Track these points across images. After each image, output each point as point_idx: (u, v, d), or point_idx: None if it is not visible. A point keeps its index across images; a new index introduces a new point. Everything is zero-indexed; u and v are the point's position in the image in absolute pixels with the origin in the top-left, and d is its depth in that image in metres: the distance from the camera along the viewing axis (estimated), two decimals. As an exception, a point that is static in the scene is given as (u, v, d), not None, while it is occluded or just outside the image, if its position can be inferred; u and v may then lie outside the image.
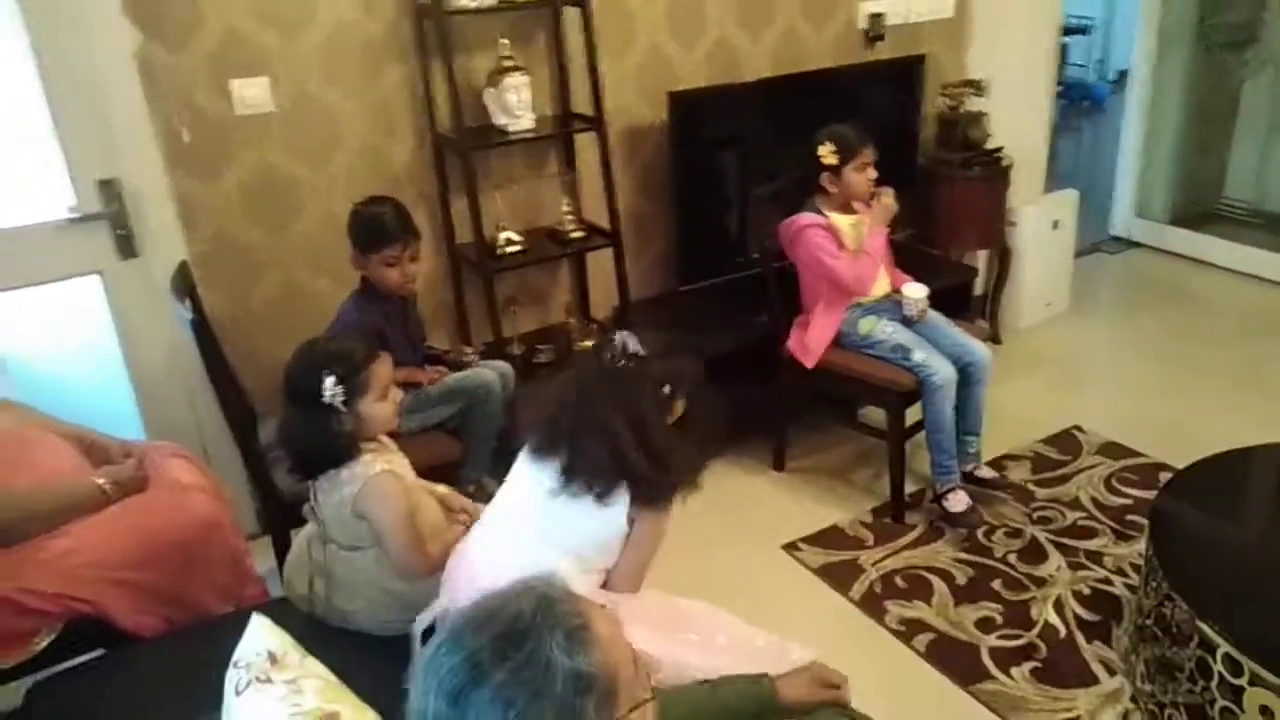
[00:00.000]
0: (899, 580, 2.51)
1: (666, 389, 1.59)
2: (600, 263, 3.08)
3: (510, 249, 2.84)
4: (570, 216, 2.95)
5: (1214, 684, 1.79)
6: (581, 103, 2.94)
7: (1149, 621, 2.07)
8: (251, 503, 2.69)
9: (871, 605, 2.42)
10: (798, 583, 2.54)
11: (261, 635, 1.35)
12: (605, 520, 1.58)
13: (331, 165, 2.70)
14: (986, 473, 2.83)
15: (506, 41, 2.73)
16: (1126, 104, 4.77)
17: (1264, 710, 1.70)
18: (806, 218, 2.75)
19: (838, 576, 2.53)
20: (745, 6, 3.22)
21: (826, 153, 2.70)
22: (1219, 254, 4.42)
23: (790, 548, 2.67)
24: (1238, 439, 2.35)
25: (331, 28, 2.59)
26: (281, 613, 1.61)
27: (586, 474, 1.55)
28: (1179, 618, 1.89)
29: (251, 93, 2.53)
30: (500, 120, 2.75)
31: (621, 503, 1.56)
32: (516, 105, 2.73)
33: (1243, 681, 1.72)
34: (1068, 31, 7.49)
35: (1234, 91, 4.68)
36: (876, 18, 3.49)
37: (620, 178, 3.05)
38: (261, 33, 2.51)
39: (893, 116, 3.46)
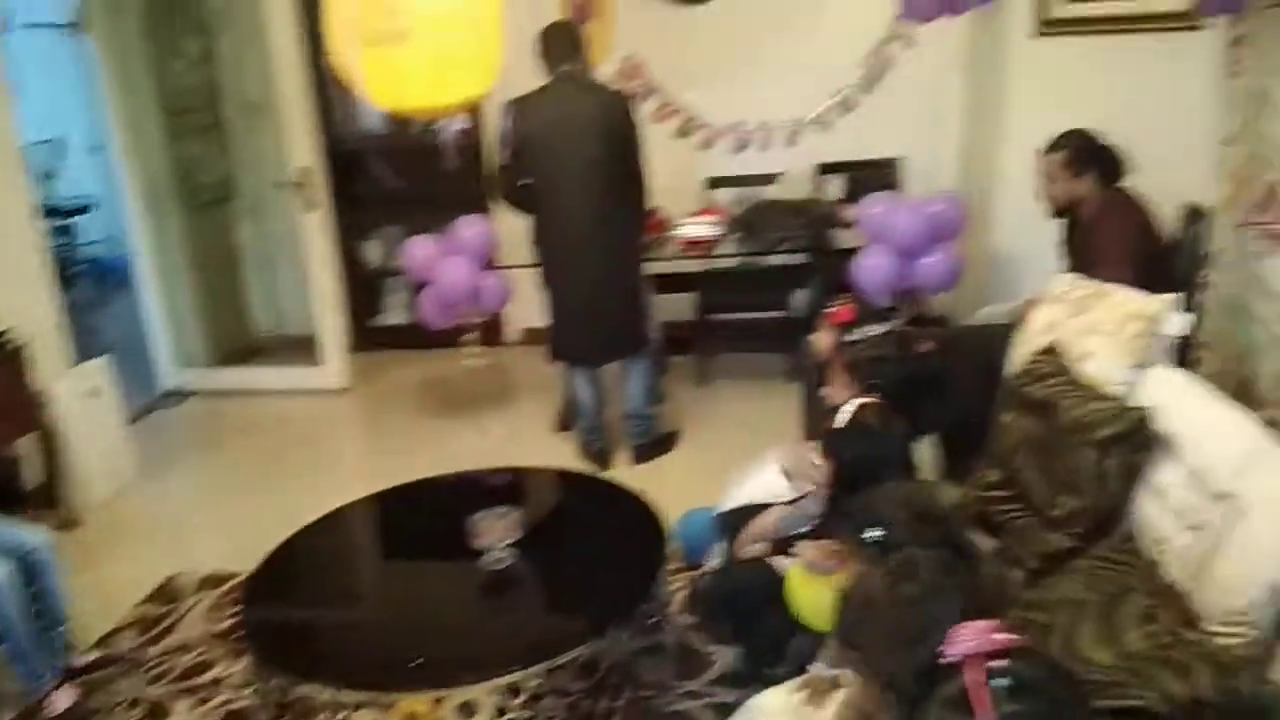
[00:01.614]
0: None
1: None
2: None
3: None
4: None
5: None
6: None
7: (270, 715, 2.21)
8: None
9: None
10: None
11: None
12: None
13: None
14: (85, 659, 2.65)
15: None
16: (139, 268, 4.97)
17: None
18: None
19: None
20: None
21: None
22: (263, 380, 4.94)
23: None
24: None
25: None
26: None
27: None
28: (293, 695, 2.06)
29: None
30: None
31: None
32: None
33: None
34: (69, 213, 7.48)
35: (233, 238, 5.31)
36: None
37: None
38: None
39: None
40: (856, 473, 2.03)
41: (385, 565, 2.59)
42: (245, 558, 3.19)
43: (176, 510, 3.84)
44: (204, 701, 2.53)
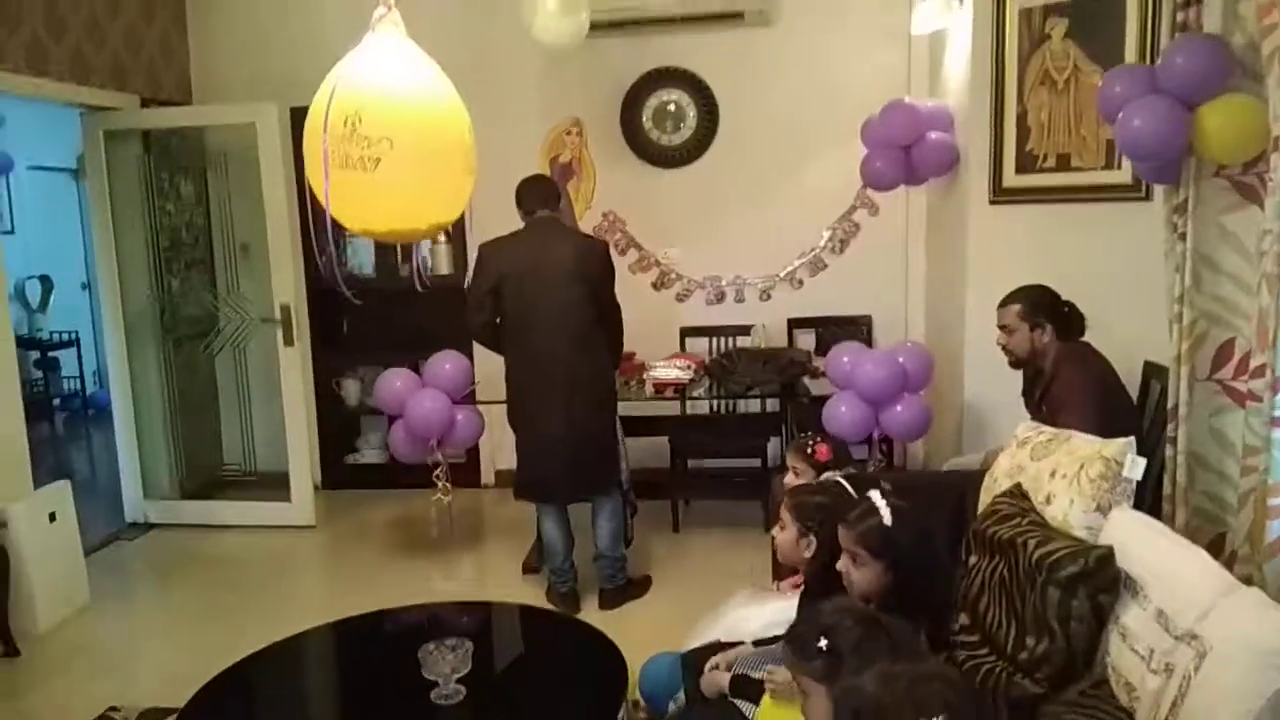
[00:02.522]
0: None
1: None
2: None
3: None
4: None
5: None
6: None
7: None
8: None
9: None
10: None
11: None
12: None
13: None
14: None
15: None
16: (113, 400, 4.97)
17: None
18: None
19: None
20: None
21: None
22: (229, 515, 4.86)
23: None
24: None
25: None
26: None
27: None
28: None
29: None
30: None
31: None
32: None
33: None
34: (52, 347, 7.54)
35: (210, 373, 5.33)
36: None
37: None
38: None
39: None
40: (915, 555, 1.99)
41: (330, 696, 2.48)
42: (191, 692, 3.07)
43: (125, 641, 3.70)
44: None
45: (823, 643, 1.52)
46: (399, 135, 2.02)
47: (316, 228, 2.26)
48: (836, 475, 2.51)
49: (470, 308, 3.62)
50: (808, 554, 2.28)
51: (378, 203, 2.03)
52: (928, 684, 1.24)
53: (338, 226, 2.11)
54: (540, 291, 3.51)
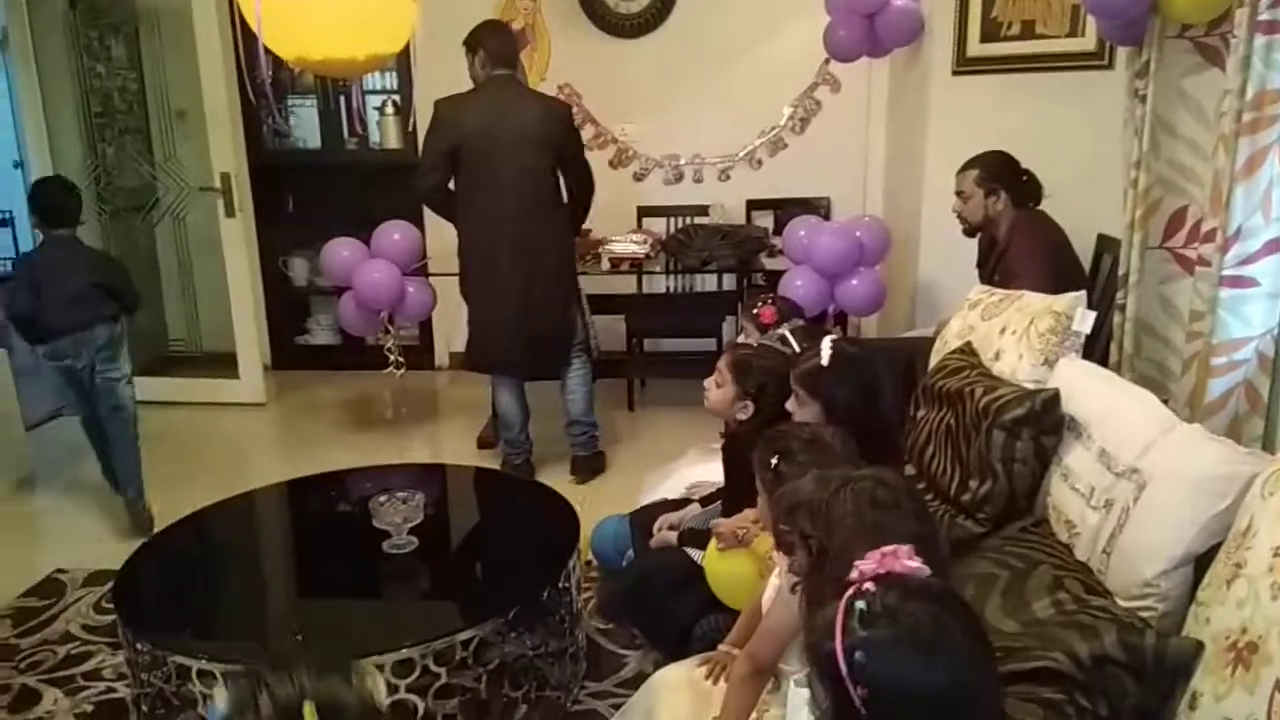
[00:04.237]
0: None
1: None
2: None
3: None
4: None
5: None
6: None
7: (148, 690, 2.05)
8: None
9: None
10: None
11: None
12: None
13: None
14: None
15: None
16: (50, 273, 4.79)
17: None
18: None
19: None
20: None
21: None
22: (175, 391, 4.75)
23: None
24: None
25: None
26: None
27: None
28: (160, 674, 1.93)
29: None
30: None
31: None
32: None
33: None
34: (-15, 225, 7.22)
35: (151, 248, 5.15)
36: None
37: None
38: None
39: None
40: (852, 403, 1.95)
41: (281, 548, 2.48)
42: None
43: (68, 509, 3.65)
44: (75, 691, 2.38)
45: (774, 461, 1.54)
46: (335, -46, 1.90)
47: (247, 43, 2.14)
48: (785, 330, 2.47)
49: (422, 170, 3.47)
50: (741, 416, 2.21)
51: (313, 26, 1.92)
52: (859, 480, 1.26)
53: (277, 83, 2.00)
54: (500, 156, 3.35)
